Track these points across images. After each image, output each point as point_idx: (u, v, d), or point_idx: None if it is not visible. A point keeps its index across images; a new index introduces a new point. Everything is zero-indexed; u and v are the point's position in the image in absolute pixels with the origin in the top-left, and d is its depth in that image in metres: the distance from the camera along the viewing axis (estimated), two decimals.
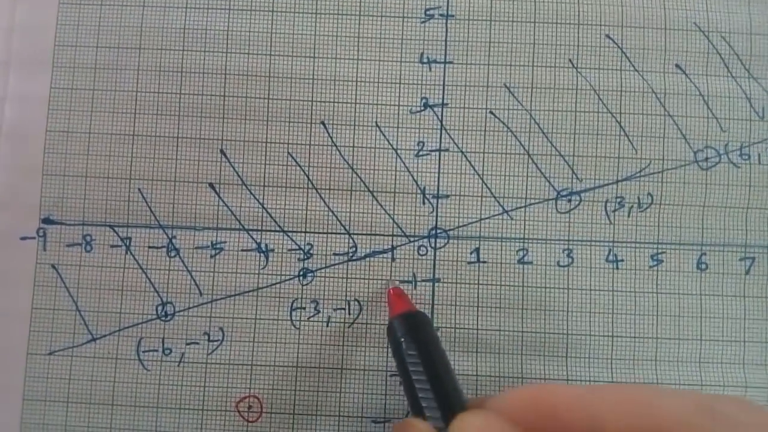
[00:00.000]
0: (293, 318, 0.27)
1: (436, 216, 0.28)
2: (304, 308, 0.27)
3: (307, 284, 0.27)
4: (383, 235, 0.28)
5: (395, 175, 0.28)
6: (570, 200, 0.28)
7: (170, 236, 0.27)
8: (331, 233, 0.28)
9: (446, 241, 0.28)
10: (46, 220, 0.27)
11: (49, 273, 0.27)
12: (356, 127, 0.28)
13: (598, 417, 0.18)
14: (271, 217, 0.28)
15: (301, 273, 0.27)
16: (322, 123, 0.28)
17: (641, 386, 0.25)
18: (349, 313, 0.27)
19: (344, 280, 0.27)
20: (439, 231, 0.28)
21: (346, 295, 0.27)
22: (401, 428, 0.21)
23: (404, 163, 0.28)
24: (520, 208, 0.28)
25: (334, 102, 0.28)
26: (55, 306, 0.27)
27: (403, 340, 0.23)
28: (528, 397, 0.19)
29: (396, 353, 0.24)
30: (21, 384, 0.27)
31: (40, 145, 0.28)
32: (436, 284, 0.27)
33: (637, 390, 0.20)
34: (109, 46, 0.28)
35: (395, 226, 0.28)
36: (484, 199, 0.28)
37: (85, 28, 0.28)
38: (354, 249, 0.27)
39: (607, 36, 0.28)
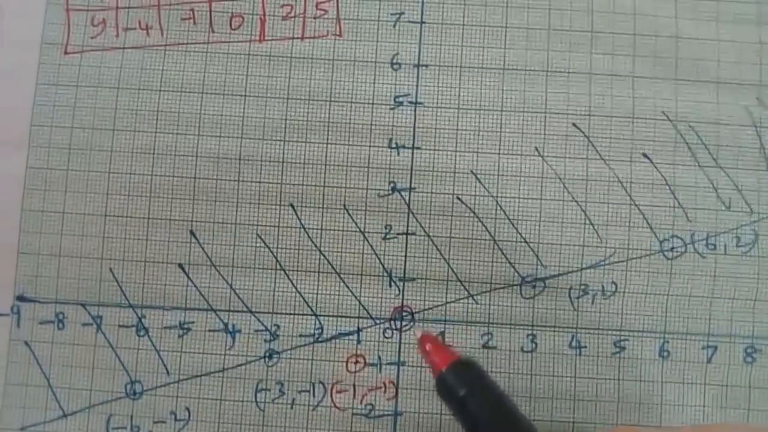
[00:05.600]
0: (258, 400, 0.28)
1: (402, 299, 0.28)
2: (269, 390, 0.28)
3: (272, 365, 0.28)
4: (349, 316, 0.28)
5: (362, 258, 0.28)
6: (534, 286, 0.28)
7: (140, 315, 0.28)
8: (298, 314, 0.28)
9: (412, 323, 0.28)
10: (20, 298, 0.28)
11: (23, 350, 0.28)
12: (324, 210, 0.28)
13: None
14: (239, 297, 0.28)
15: (267, 354, 0.28)
16: (291, 205, 0.28)
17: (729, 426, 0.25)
18: (314, 396, 0.28)
19: (310, 362, 0.28)
20: (404, 314, 0.28)
21: (311, 377, 0.28)
22: None
23: (371, 246, 0.28)
24: (485, 292, 0.28)
25: (303, 185, 0.28)
26: (27, 382, 0.28)
27: (463, 395, 0.22)
28: None
29: (460, 411, 0.22)
30: None
31: (15, 223, 0.28)
32: (401, 367, 0.28)
33: None
34: (84, 127, 0.28)
35: (361, 308, 0.28)
36: (449, 282, 0.28)
37: (61, 109, 0.28)
38: (320, 330, 0.28)
39: (574, 125, 0.28)
